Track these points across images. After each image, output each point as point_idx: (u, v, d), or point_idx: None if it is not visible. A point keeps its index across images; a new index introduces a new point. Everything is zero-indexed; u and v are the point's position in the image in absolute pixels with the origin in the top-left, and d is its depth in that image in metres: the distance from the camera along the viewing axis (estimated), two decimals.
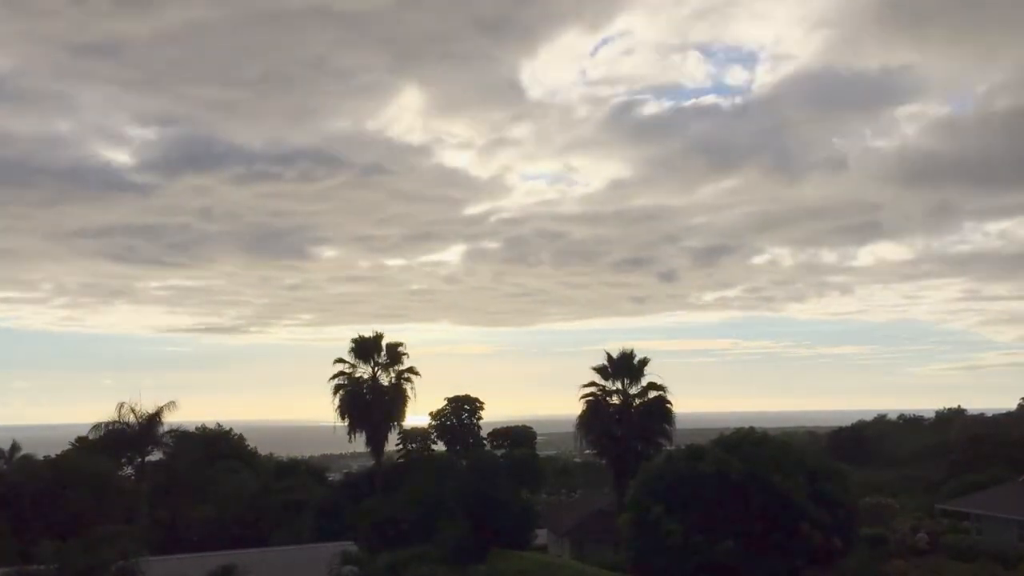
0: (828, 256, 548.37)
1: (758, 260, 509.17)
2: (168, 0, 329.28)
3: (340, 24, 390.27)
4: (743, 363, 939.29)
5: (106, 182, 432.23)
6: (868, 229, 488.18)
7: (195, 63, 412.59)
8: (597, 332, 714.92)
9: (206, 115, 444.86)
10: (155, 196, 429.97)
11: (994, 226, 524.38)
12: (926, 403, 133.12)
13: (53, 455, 57.28)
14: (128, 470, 59.26)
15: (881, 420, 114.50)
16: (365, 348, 64.15)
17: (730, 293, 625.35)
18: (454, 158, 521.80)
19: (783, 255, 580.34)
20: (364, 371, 64.21)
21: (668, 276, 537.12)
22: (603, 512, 55.34)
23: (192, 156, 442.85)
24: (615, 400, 57.76)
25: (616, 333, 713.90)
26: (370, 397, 63.29)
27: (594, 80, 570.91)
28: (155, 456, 59.35)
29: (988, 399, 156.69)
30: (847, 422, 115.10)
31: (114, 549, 30.51)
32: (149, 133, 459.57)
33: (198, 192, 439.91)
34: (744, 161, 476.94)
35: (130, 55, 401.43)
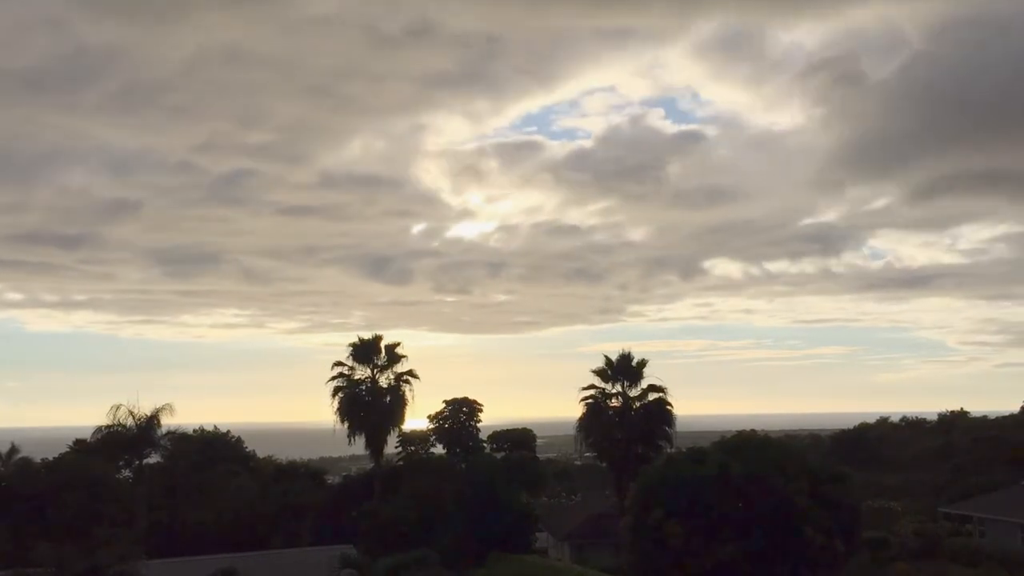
0: (774, 266, 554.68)
1: (709, 268, 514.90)
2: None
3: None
4: (719, 364, 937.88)
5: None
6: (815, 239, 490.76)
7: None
8: (567, 338, 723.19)
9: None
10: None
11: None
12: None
13: (50, 458, 56.99)
14: (126, 473, 59.02)
15: (884, 423, 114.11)
16: (364, 350, 63.76)
17: (684, 303, 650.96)
18: (402, 183, 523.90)
19: (732, 267, 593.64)
20: (363, 373, 63.91)
21: (623, 285, 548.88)
22: (603, 515, 55.21)
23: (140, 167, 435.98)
24: (615, 402, 57.47)
25: (583, 339, 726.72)
26: (369, 399, 62.94)
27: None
28: (153, 459, 59.19)
29: (991, 402, 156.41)
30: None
31: (112, 552, 30.49)
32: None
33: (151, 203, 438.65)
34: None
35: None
